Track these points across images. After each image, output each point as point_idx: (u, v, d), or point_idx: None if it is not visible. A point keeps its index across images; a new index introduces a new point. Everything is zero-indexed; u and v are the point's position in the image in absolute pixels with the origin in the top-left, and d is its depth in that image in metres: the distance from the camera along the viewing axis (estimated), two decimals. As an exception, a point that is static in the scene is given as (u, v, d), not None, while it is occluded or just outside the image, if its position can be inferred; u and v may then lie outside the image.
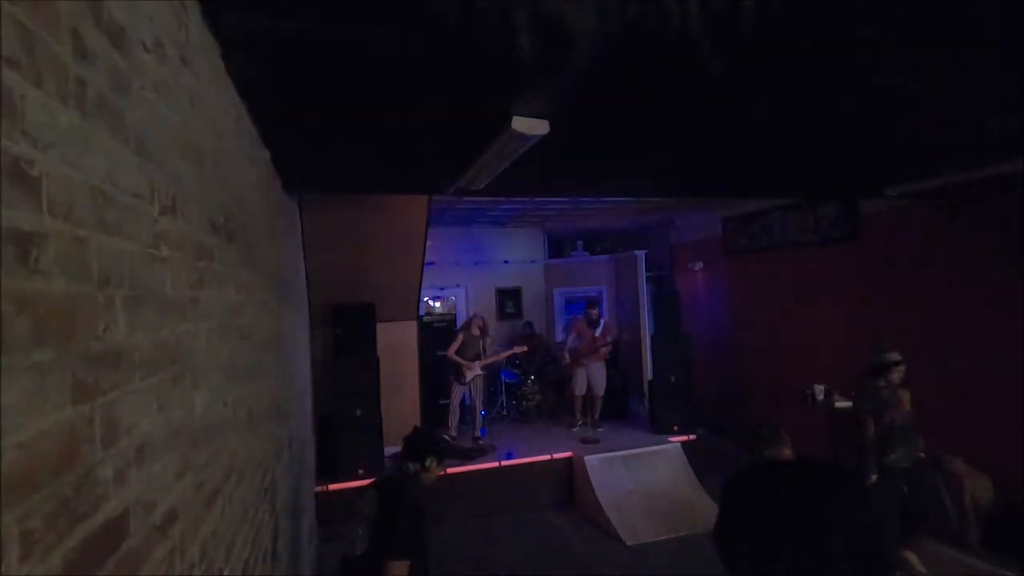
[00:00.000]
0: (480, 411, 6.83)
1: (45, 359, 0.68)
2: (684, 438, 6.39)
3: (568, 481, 6.02)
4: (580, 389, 7.07)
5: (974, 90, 2.35)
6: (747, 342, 7.46)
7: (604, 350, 7.09)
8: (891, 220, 5.44)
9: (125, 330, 0.92)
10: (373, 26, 1.60)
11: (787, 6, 1.57)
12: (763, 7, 1.56)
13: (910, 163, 3.73)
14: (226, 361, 1.65)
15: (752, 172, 3.96)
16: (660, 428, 6.60)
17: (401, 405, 6.15)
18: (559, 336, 8.99)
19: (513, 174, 3.05)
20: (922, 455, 4.10)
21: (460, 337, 6.64)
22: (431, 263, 7.07)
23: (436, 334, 7.47)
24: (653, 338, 7.25)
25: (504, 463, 5.92)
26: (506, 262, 9.17)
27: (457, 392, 6.61)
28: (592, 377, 7.01)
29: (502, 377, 8.09)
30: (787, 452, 2.36)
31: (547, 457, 6.04)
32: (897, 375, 4.10)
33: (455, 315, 8.57)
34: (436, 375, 7.04)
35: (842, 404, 5.64)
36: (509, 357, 7.36)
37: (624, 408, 7.76)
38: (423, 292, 6.71)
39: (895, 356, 4.12)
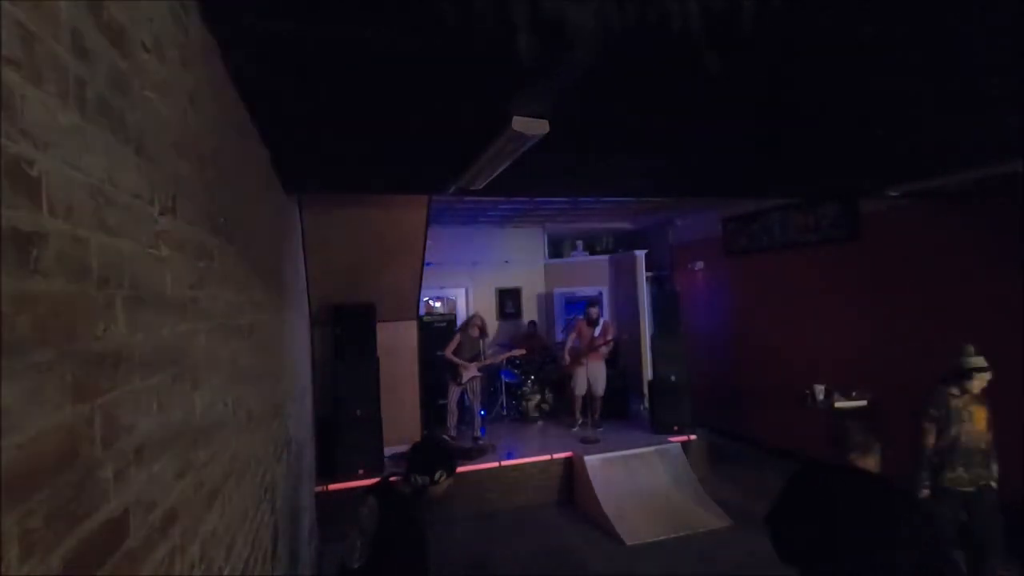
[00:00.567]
0: (479, 411, 6.82)
1: (45, 359, 0.68)
2: (684, 438, 6.39)
3: (568, 481, 6.02)
4: (580, 389, 7.07)
5: (974, 90, 2.35)
6: (747, 342, 7.46)
7: (603, 349, 7.09)
8: (891, 220, 5.44)
9: (125, 330, 0.92)
10: (373, 26, 1.60)
11: (787, 6, 1.57)
12: (763, 7, 1.56)
13: (910, 163, 3.73)
14: (226, 361, 1.65)
15: (752, 172, 3.96)
16: (660, 428, 6.60)
17: (401, 405, 6.15)
18: (559, 336, 8.99)
19: (513, 174, 3.05)
20: (993, 484, 3.61)
21: (458, 337, 6.64)
22: (431, 263, 7.07)
23: (436, 334, 7.47)
24: (653, 338, 7.25)
25: (504, 463, 5.92)
26: (506, 262, 9.17)
27: (454, 392, 6.61)
28: (592, 377, 7.01)
29: (502, 377, 8.09)
30: (872, 463, 2.40)
31: (547, 457, 6.04)
32: (978, 384, 3.62)
33: (455, 315, 8.57)
34: (436, 375, 7.04)
35: (842, 404, 5.65)
36: (508, 359, 7.36)
37: (624, 408, 7.76)
38: (423, 292, 6.71)
39: (979, 362, 3.61)
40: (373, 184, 4.13)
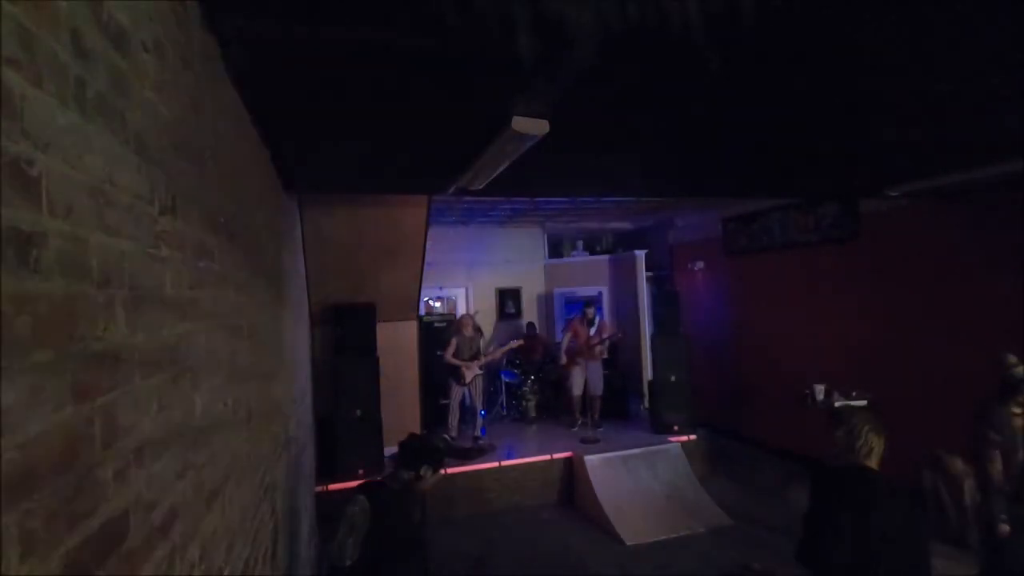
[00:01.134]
0: (480, 411, 6.82)
1: (45, 359, 0.68)
2: (684, 438, 6.40)
3: (568, 481, 6.02)
4: (577, 389, 7.09)
5: (974, 90, 2.35)
6: (747, 342, 7.45)
7: (600, 349, 7.10)
8: (891, 220, 5.44)
9: (125, 330, 0.92)
10: (373, 26, 1.60)
11: (787, 6, 1.57)
12: (762, 7, 1.56)
13: (910, 163, 3.72)
14: (226, 361, 1.65)
15: (752, 172, 3.96)
16: (660, 428, 6.60)
17: (401, 405, 6.14)
18: (559, 336, 9.00)
19: (513, 174, 3.05)
20: None
21: (454, 340, 6.64)
22: (431, 263, 7.07)
23: (436, 334, 7.47)
24: (653, 338, 7.25)
25: (504, 463, 5.92)
26: (506, 262, 9.17)
27: (456, 393, 6.61)
28: (589, 377, 7.02)
29: (502, 377, 8.09)
30: (875, 460, 2.41)
31: (547, 457, 6.04)
32: None
33: (455, 315, 8.57)
34: (436, 375, 7.04)
35: (842, 404, 5.65)
36: (507, 353, 7.36)
37: (624, 408, 7.76)
38: (423, 292, 6.71)
39: None
40: (373, 184, 4.13)
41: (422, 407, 6.53)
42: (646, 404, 7.49)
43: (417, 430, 6.29)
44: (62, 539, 0.70)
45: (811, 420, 5.94)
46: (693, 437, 6.45)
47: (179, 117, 1.25)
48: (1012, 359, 3.33)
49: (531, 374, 7.92)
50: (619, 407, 7.69)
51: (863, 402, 5.65)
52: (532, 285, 9.39)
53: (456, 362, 6.52)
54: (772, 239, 6.93)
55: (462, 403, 6.78)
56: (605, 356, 7.82)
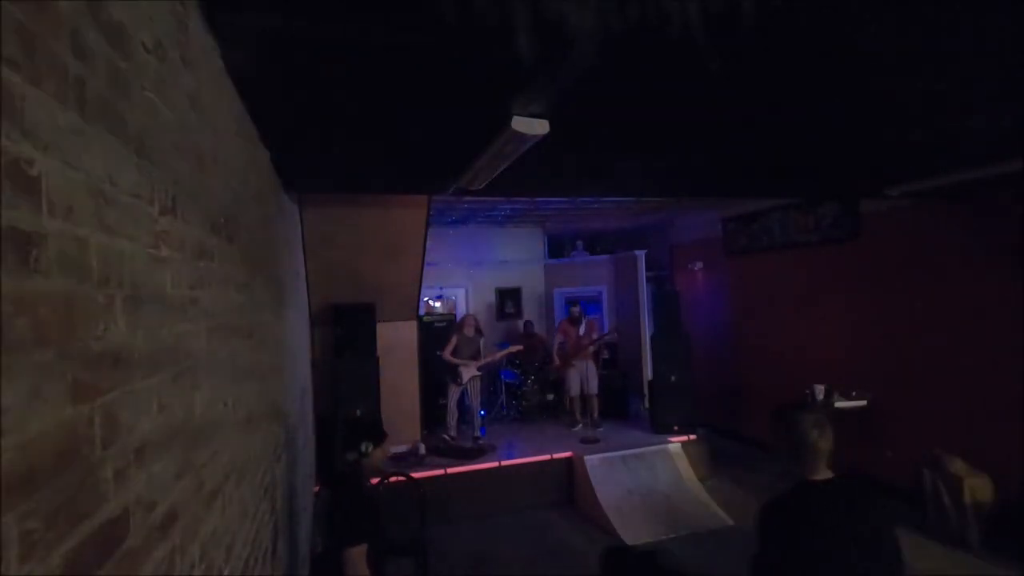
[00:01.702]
0: (479, 411, 6.82)
1: (45, 359, 0.68)
2: (684, 438, 6.39)
3: (568, 481, 6.01)
4: (574, 389, 7.12)
5: (974, 90, 2.35)
6: (747, 342, 7.46)
7: (591, 348, 7.10)
8: (891, 220, 5.44)
9: (125, 330, 0.92)
10: (373, 25, 1.60)
11: (787, 6, 1.57)
12: (763, 7, 1.56)
13: (910, 163, 3.73)
14: (226, 361, 1.65)
15: (752, 172, 3.96)
16: (660, 428, 6.60)
17: (401, 405, 6.14)
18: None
19: (513, 174, 3.05)
20: None
21: (455, 339, 6.65)
22: (431, 263, 7.07)
23: (436, 334, 7.47)
24: (653, 338, 7.25)
25: (504, 463, 5.92)
26: (506, 262, 9.17)
27: (454, 392, 6.61)
28: (584, 376, 7.03)
29: (502, 377, 8.09)
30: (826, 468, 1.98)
31: (547, 457, 6.03)
32: None
33: (455, 315, 8.57)
34: (436, 375, 7.04)
35: (842, 404, 5.65)
36: (506, 356, 7.37)
37: (624, 408, 7.76)
38: (423, 292, 6.71)
39: None
40: (373, 184, 4.13)
41: (422, 407, 6.53)
42: (646, 404, 7.49)
43: (417, 430, 6.30)
44: (62, 539, 0.70)
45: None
46: (693, 437, 6.44)
47: (179, 117, 1.25)
48: None
49: (531, 374, 7.92)
50: (619, 407, 7.69)
51: (863, 402, 5.66)
52: (532, 285, 9.39)
53: (454, 361, 6.52)
54: (772, 239, 6.93)
55: (461, 403, 6.78)
56: (606, 356, 7.83)
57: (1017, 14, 1.68)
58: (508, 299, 9.25)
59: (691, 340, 7.03)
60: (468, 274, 8.99)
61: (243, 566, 1.73)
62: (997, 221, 4.55)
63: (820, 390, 5.82)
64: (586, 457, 5.86)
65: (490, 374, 7.75)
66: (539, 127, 2.37)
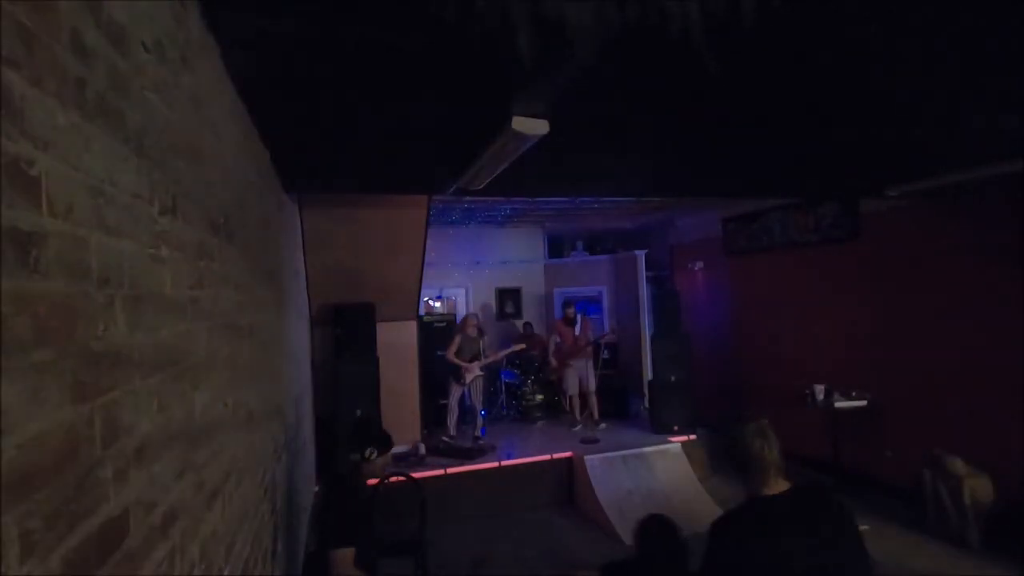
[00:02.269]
0: (480, 411, 6.83)
1: (45, 359, 0.68)
2: (684, 438, 6.39)
3: (568, 481, 6.01)
4: (572, 389, 7.15)
5: (974, 90, 2.35)
6: (747, 342, 7.45)
7: (587, 349, 7.11)
8: (891, 220, 5.44)
9: (125, 330, 0.92)
10: (373, 25, 1.60)
11: (787, 6, 1.57)
12: (763, 7, 1.55)
13: (910, 163, 3.73)
14: (226, 361, 1.65)
15: (752, 172, 3.96)
16: (660, 428, 6.60)
17: (401, 405, 6.14)
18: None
19: (513, 174, 3.05)
20: None
21: (457, 338, 6.65)
22: (431, 263, 7.07)
23: (436, 334, 7.47)
24: (653, 338, 7.25)
25: (504, 463, 5.92)
26: (506, 262, 9.17)
27: (456, 392, 6.61)
28: (581, 375, 7.04)
29: (502, 377, 8.09)
30: (779, 479, 1.84)
31: (547, 457, 6.03)
32: None
33: (455, 315, 8.57)
34: (436, 375, 7.04)
35: (842, 404, 5.65)
36: (508, 356, 7.37)
37: (624, 408, 7.76)
38: (423, 292, 6.71)
39: None
40: (373, 184, 4.13)
41: (422, 407, 6.53)
42: (646, 404, 7.49)
43: (417, 430, 6.30)
44: (62, 539, 0.70)
45: (811, 420, 5.96)
46: (693, 437, 6.44)
47: (179, 117, 1.25)
48: None
49: (531, 374, 7.93)
50: (619, 407, 7.69)
51: (863, 402, 5.66)
52: (532, 285, 9.39)
53: (457, 361, 6.52)
54: (772, 239, 6.93)
55: (462, 403, 6.78)
56: (606, 356, 7.82)
57: (1017, 14, 1.68)
58: (508, 299, 9.25)
59: (691, 340, 7.03)
60: (468, 274, 8.98)
61: (243, 566, 1.73)
62: (997, 221, 4.55)
63: (820, 390, 5.82)
64: (586, 457, 5.86)
65: (490, 374, 7.75)
66: (539, 127, 2.37)
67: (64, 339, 0.73)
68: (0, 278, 0.60)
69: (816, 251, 6.32)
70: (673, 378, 6.71)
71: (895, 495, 5.25)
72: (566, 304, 7.46)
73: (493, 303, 9.17)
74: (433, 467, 5.69)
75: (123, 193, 0.93)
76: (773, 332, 6.98)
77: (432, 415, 6.99)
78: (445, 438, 6.42)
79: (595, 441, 6.40)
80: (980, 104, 2.53)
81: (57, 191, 0.72)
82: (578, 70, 1.91)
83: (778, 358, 6.86)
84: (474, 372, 6.56)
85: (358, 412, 5.46)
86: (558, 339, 7.36)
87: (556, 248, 9.78)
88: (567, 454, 6.08)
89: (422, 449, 6.03)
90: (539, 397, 7.85)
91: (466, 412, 6.92)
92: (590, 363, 7.12)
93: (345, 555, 2.26)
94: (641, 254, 8.40)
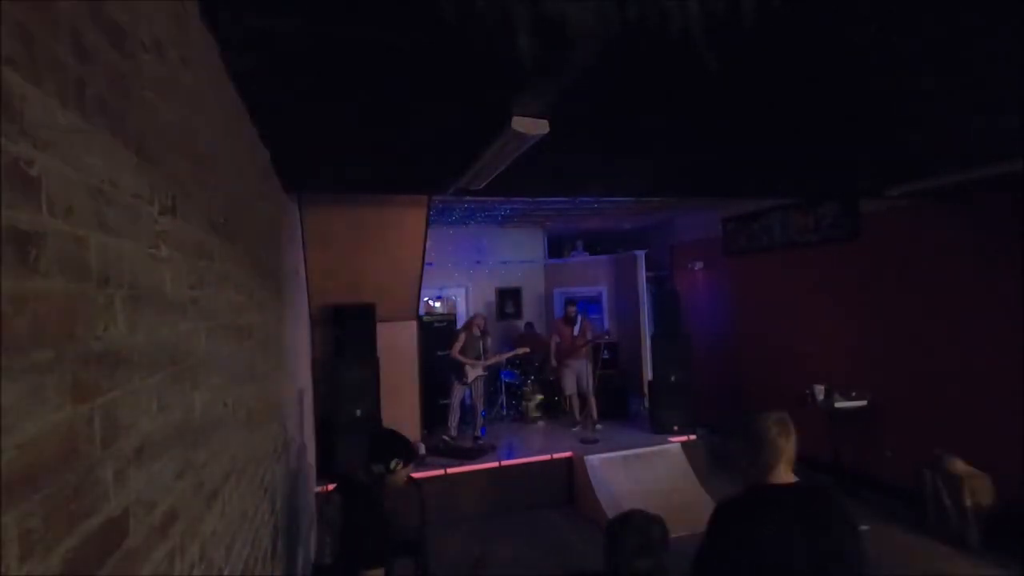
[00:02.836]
0: (480, 411, 6.83)
1: (45, 359, 0.68)
2: (684, 438, 6.39)
3: (568, 481, 6.01)
4: (570, 388, 7.17)
5: (975, 90, 2.35)
6: (747, 342, 7.46)
7: (585, 349, 7.11)
8: (891, 220, 5.44)
9: (125, 330, 0.92)
10: (373, 25, 1.60)
11: (787, 6, 1.57)
12: (763, 7, 1.55)
13: (910, 163, 3.72)
14: (226, 361, 1.65)
15: (752, 172, 3.96)
16: (660, 428, 6.60)
17: (401, 405, 6.14)
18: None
19: (513, 174, 3.05)
20: None
21: (462, 337, 6.65)
22: (431, 263, 7.07)
23: (436, 334, 7.47)
24: (653, 338, 7.25)
25: (504, 463, 5.92)
26: (506, 262, 9.17)
27: (458, 392, 6.61)
28: (579, 375, 7.05)
29: (502, 377, 8.09)
30: (788, 472, 1.84)
31: (547, 457, 6.03)
32: None
33: (455, 315, 8.57)
34: (436, 375, 7.04)
35: (842, 404, 5.65)
36: (511, 359, 7.37)
37: (624, 408, 7.76)
38: (423, 292, 6.70)
39: None
40: (373, 184, 4.13)
41: (422, 407, 6.53)
42: (646, 404, 7.49)
43: (417, 430, 6.29)
44: (62, 539, 0.70)
45: (811, 420, 5.95)
46: (693, 437, 6.44)
47: (179, 117, 1.25)
48: None
49: (531, 374, 7.93)
50: (619, 407, 7.68)
51: (863, 402, 5.66)
52: (532, 285, 9.39)
53: (461, 359, 6.52)
54: (772, 239, 6.93)
55: (462, 403, 6.78)
56: (606, 356, 7.82)
57: (1017, 15, 1.68)
58: (508, 299, 9.25)
59: (691, 340, 7.03)
60: (468, 274, 8.98)
61: (243, 566, 1.73)
62: (997, 221, 4.55)
63: (820, 390, 5.82)
64: (586, 457, 5.86)
65: (490, 374, 7.76)
66: (539, 127, 2.37)
67: (64, 339, 0.73)
68: (0, 278, 0.60)
69: (816, 251, 6.32)
70: (673, 378, 6.71)
71: (895, 495, 5.25)
72: (568, 303, 7.46)
73: (493, 303, 9.17)
74: (433, 467, 5.69)
75: (123, 193, 0.93)
76: (773, 332, 6.98)
77: (432, 415, 6.99)
78: (445, 437, 6.42)
79: (595, 441, 6.40)
80: (980, 104, 2.53)
81: (57, 191, 0.72)
82: (578, 70, 1.91)
83: (778, 358, 6.86)
84: (477, 371, 6.56)
85: (357, 412, 5.46)
86: (558, 339, 7.36)
87: (556, 248, 9.78)
88: (567, 454, 6.08)
89: (422, 449, 6.03)
90: (539, 397, 7.85)
91: (466, 412, 6.92)
92: (588, 364, 7.12)
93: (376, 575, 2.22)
94: (641, 254, 8.40)
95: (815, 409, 5.79)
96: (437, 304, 9.09)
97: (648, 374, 7.66)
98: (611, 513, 5.31)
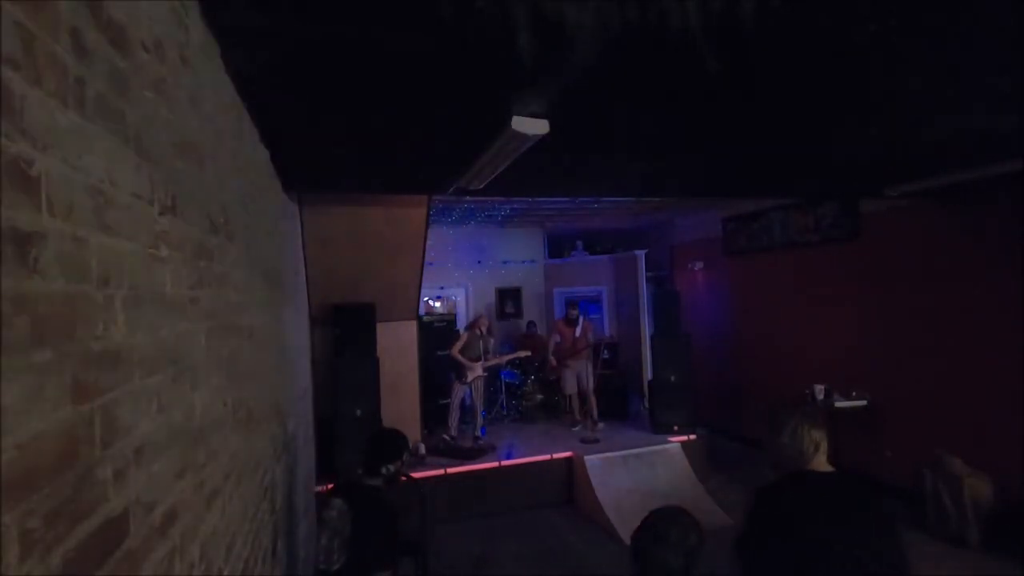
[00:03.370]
0: (480, 411, 6.83)
1: (45, 359, 0.68)
2: (684, 438, 6.39)
3: (568, 481, 6.01)
4: (570, 388, 7.17)
5: (974, 90, 2.35)
6: (747, 342, 7.46)
7: (585, 351, 7.12)
8: (891, 220, 5.44)
9: (125, 330, 0.92)
10: (373, 25, 1.60)
11: (787, 6, 1.57)
12: (763, 7, 1.55)
13: (910, 163, 3.72)
14: (226, 361, 1.65)
15: (752, 172, 3.96)
16: (660, 428, 6.60)
17: (401, 405, 6.14)
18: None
19: (513, 174, 3.05)
20: None
21: (465, 336, 6.65)
22: (431, 263, 7.07)
23: (436, 334, 7.47)
24: (653, 338, 7.25)
25: (504, 463, 5.92)
26: (506, 262, 9.17)
27: (458, 391, 6.61)
28: (579, 375, 7.05)
29: (502, 377, 8.09)
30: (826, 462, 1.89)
31: (547, 457, 6.03)
32: None
33: (455, 315, 8.57)
34: (436, 375, 7.03)
35: (842, 404, 5.65)
36: (512, 360, 7.37)
37: (624, 408, 7.76)
38: (423, 292, 6.70)
39: None
40: (373, 184, 4.13)
41: (422, 407, 6.53)
42: (646, 404, 7.49)
43: (417, 430, 6.29)
44: (62, 539, 0.70)
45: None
46: (693, 437, 6.44)
47: (179, 117, 1.25)
48: None
49: (531, 374, 7.92)
50: (619, 407, 7.68)
51: (863, 402, 5.66)
52: (532, 285, 9.39)
53: (460, 358, 6.52)
54: (772, 239, 6.93)
55: (462, 403, 6.78)
56: (606, 356, 7.83)
57: (1017, 15, 1.68)
58: (508, 299, 9.25)
59: (691, 340, 7.03)
60: (468, 274, 8.98)
61: (243, 566, 1.73)
62: (997, 221, 4.55)
63: (820, 390, 5.81)
64: (586, 457, 5.86)
65: (491, 374, 7.76)
66: (539, 127, 2.37)
67: (64, 339, 0.73)
68: (0, 278, 0.60)
69: (816, 251, 6.32)
70: (673, 378, 6.71)
71: (895, 495, 5.25)
72: (570, 304, 7.45)
73: (493, 303, 9.17)
74: (433, 467, 5.69)
75: (123, 193, 0.93)
76: (773, 332, 6.98)
77: (432, 415, 6.99)
78: (445, 437, 6.43)
79: (595, 441, 6.40)
80: (980, 104, 2.53)
81: (57, 191, 0.72)
82: (578, 70, 1.91)
83: (778, 358, 6.86)
84: (477, 371, 6.57)
85: (357, 412, 5.47)
86: (558, 338, 7.36)
87: (556, 248, 9.78)
88: (567, 454, 6.08)
89: (422, 449, 6.03)
90: (539, 397, 7.84)
91: (466, 412, 6.92)
92: (588, 364, 7.13)
93: None
94: (641, 254, 8.40)
95: (815, 409, 5.78)
96: (437, 304, 9.09)
97: (648, 374, 7.66)
98: (611, 513, 5.32)
